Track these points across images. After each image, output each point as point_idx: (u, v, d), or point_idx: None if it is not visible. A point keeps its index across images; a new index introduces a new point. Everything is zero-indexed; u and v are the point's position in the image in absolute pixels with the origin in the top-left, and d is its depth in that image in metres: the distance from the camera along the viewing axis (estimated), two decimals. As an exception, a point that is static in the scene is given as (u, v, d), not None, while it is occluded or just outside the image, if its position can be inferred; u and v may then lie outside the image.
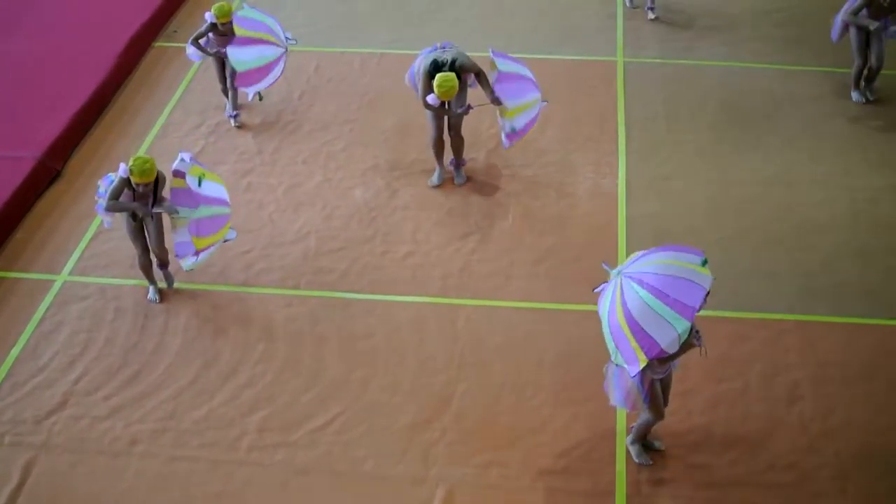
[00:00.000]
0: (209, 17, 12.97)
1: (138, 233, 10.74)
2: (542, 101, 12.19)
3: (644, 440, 9.19)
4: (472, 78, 12.06)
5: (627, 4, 16.29)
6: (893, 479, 9.11)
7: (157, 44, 15.67)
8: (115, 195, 10.38)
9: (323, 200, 12.39)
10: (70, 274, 11.41)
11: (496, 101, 11.84)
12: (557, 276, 11.27)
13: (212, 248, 10.71)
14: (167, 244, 10.85)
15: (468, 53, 11.99)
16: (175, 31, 15.97)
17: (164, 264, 11.08)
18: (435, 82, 11.57)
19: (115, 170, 12.32)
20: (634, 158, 13.01)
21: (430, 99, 11.76)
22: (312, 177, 12.78)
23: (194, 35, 13.16)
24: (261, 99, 13.80)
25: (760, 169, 12.82)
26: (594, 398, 9.81)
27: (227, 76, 13.36)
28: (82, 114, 13.66)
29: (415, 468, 9.30)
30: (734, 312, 10.76)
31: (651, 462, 9.15)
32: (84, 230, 12.00)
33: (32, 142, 12.92)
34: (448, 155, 12.62)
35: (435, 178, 12.60)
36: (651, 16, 15.99)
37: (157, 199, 10.51)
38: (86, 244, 11.79)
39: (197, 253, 10.57)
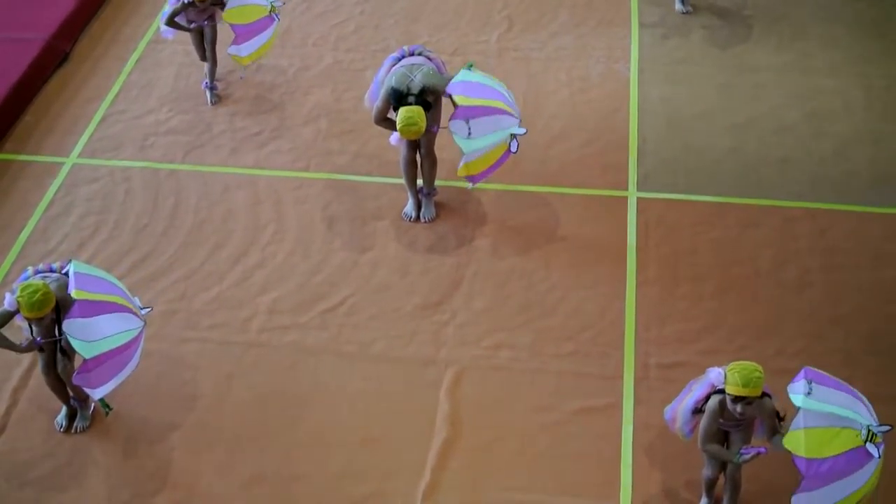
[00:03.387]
0: None
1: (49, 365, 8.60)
2: (518, 127, 9.94)
3: (711, 493, 8.11)
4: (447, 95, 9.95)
5: None
6: (902, 367, 9.18)
7: (166, -76, 15.48)
8: (0, 322, 8.13)
9: (333, 82, 12.31)
10: (79, 156, 11.37)
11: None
12: (568, 159, 11.22)
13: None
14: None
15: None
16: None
17: (79, 398, 8.81)
18: (398, 121, 9.66)
19: (123, 58, 12.15)
20: (647, 43, 12.89)
21: (393, 139, 10.24)
22: (323, 59, 12.69)
23: (168, 14, 11.69)
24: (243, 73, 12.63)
25: (774, 56, 12.71)
26: (604, 282, 9.84)
27: (205, 47, 12.12)
28: (91, -6, 13.55)
29: (424, 350, 9.34)
30: (744, 199, 10.72)
31: None
32: (93, 112, 11.94)
33: (40, 23, 12.79)
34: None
35: (408, 209, 10.68)
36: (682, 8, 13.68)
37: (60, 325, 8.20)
38: (95, 126, 11.74)
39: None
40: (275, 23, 11.79)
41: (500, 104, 9.84)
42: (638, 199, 10.72)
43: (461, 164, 9.84)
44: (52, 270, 8.36)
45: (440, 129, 10.15)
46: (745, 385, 7.14)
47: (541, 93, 11.95)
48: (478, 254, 10.20)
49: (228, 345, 9.41)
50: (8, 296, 8.07)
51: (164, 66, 12.64)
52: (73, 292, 7.93)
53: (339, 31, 13.14)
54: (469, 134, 9.66)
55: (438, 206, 10.66)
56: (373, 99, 10.37)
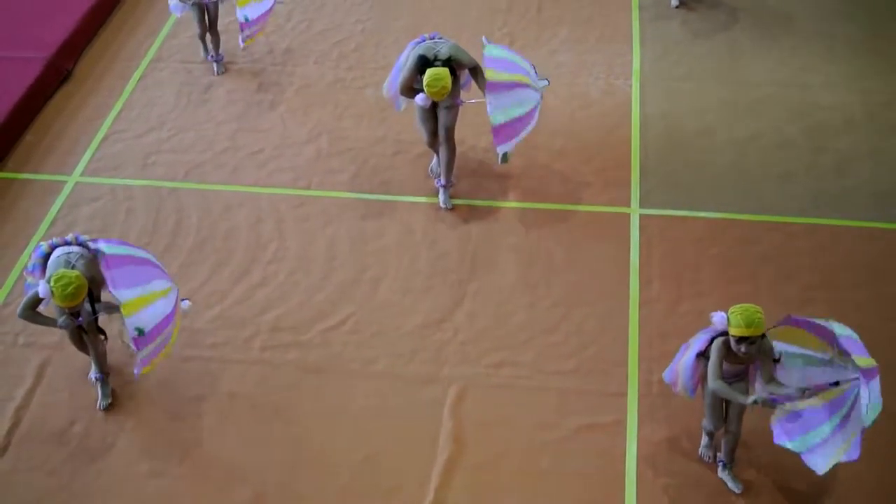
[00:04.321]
0: None
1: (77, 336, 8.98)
2: (542, 84, 10.46)
3: (711, 434, 8.48)
4: (466, 74, 10.60)
5: None
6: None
7: (167, -58, 15.53)
8: (34, 302, 8.40)
9: (335, 100, 12.33)
10: (81, 175, 11.39)
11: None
12: (570, 176, 11.23)
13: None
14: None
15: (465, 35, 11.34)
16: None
17: (102, 372, 9.10)
18: (425, 80, 10.02)
19: (125, 77, 12.26)
20: (648, 59, 12.91)
21: (420, 99, 10.27)
22: (324, 77, 12.71)
23: None
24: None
25: (775, 70, 12.73)
26: (606, 299, 9.85)
27: (207, 23, 12.60)
28: (92, 13, 13.55)
29: (426, 368, 9.34)
30: (745, 215, 10.73)
31: (738, 491, 8.40)
32: (95, 131, 11.96)
33: (42, 42, 12.83)
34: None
35: (434, 164, 11.15)
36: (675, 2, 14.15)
37: (93, 303, 8.57)
38: (97, 145, 11.76)
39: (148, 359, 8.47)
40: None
41: (524, 79, 10.24)
42: (640, 215, 10.72)
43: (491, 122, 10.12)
44: (67, 243, 8.54)
45: (462, 104, 10.56)
46: (748, 325, 7.54)
47: (542, 110, 11.96)
48: (479, 271, 10.20)
49: (230, 363, 9.41)
50: (42, 284, 8.15)
51: (166, 84, 12.66)
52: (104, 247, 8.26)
53: (340, 49, 13.17)
54: (497, 106, 10.02)
55: (440, 224, 10.68)
56: (392, 85, 10.77)
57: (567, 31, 13.34)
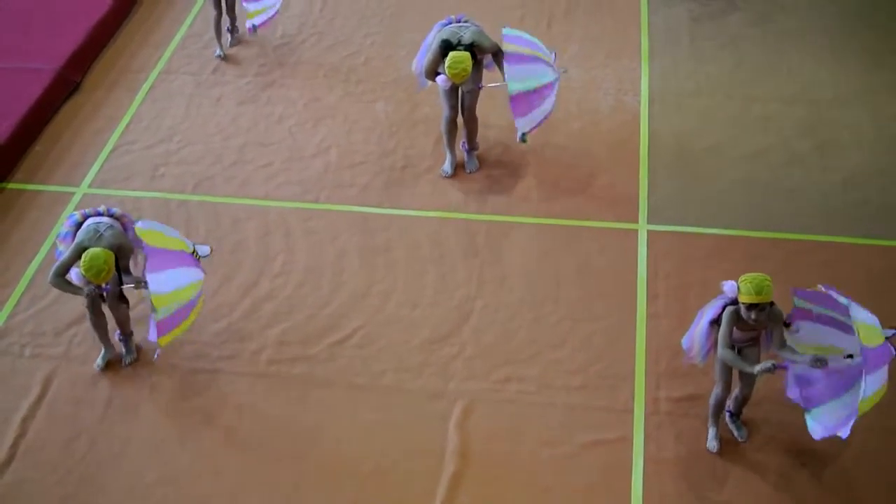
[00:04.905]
0: None
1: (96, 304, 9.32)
2: (561, 70, 11.09)
3: (717, 420, 8.76)
4: (488, 58, 11.07)
5: None
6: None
7: (177, -45, 15.59)
8: (65, 269, 8.91)
9: (344, 114, 12.34)
10: (90, 186, 11.40)
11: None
12: (578, 191, 11.23)
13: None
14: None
15: (484, 26, 11.24)
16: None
17: (124, 334, 9.56)
18: (447, 62, 10.52)
19: (133, 89, 12.32)
20: (657, 75, 12.92)
21: (441, 80, 10.78)
22: (333, 90, 12.72)
23: None
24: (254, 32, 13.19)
25: (783, 86, 12.73)
26: (613, 315, 9.84)
27: (223, 5, 13.20)
28: (102, 25, 13.58)
29: (433, 382, 9.33)
30: (753, 231, 10.73)
31: (742, 439, 8.81)
32: (103, 143, 11.98)
33: (51, 53, 12.86)
34: (461, 139, 11.70)
35: (447, 167, 11.51)
36: None
37: (120, 274, 9.07)
38: (105, 157, 11.78)
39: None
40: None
41: (542, 56, 10.83)
42: (648, 231, 10.72)
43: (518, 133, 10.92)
44: (98, 213, 9.13)
45: (483, 87, 11.11)
46: (757, 293, 7.87)
47: (551, 125, 11.95)
48: (487, 286, 10.20)
49: (238, 376, 9.41)
50: (74, 271, 8.86)
51: (175, 96, 12.68)
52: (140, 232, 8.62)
53: (349, 63, 13.18)
54: (514, 76, 10.53)
55: (448, 239, 10.69)
56: (419, 64, 11.29)
57: (577, 47, 13.35)
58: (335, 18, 14.04)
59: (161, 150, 11.85)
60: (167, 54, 13.36)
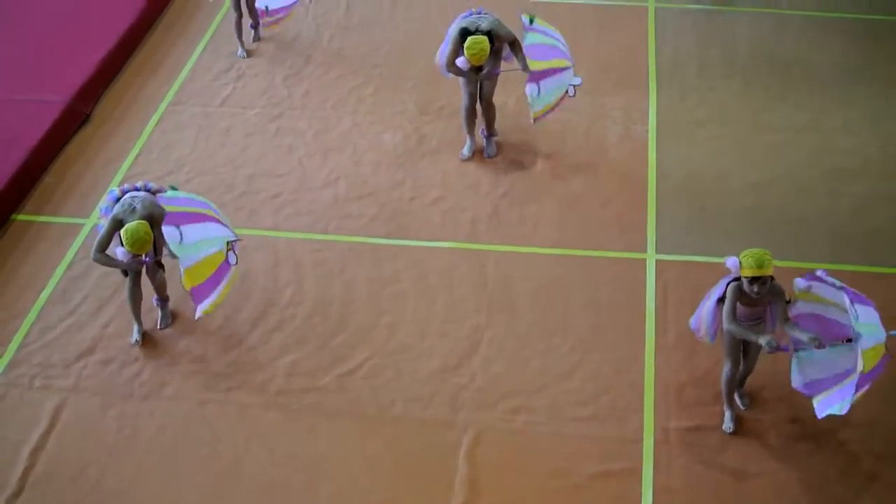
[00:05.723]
0: None
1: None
2: (575, 77, 11.65)
3: (732, 401, 9.12)
4: (506, 49, 11.62)
5: None
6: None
7: (187, -14, 15.67)
8: (105, 243, 9.47)
9: (352, 145, 12.36)
10: (99, 218, 11.41)
11: (527, 70, 11.38)
12: (586, 221, 11.24)
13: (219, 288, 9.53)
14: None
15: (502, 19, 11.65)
16: (204, -26, 15.96)
17: (161, 298, 10.22)
18: (466, 45, 11.15)
19: (143, 120, 12.46)
20: (664, 104, 12.94)
21: (460, 62, 11.36)
22: (341, 121, 12.75)
23: None
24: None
25: (792, 115, 12.74)
26: (622, 345, 9.83)
27: (243, 7, 13.83)
28: (111, 57, 13.64)
29: (443, 413, 9.32)
30: (763, 260, 10.72)
31: (744, 407, 9.28)
32: (112, 174, 12.01)
33: (61, 85, 12.91)
34: (480, 125, 12.26)
35: (465, 151, 12.17)
36: None
37: (157, 245, 9.59)
38: (115, 188, 11.79)
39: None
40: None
41: (563, 63, 11.55)
42: (657, 260, 10.72)
43: (531, 111, 11.59)
44: (137, 189, 9.67)
45: (501, 73, 11.76)
46: (759, 266, 8.24)
47: (559, 154, 11.98)
48: (496, 316, 10.20)
49: (247, 407, 9.40)
50: (119, 250, 9.33)
51: (184, 128, 12.71)
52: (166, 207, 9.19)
53: (357, 94, 13.22)
54: (539, 93, 11.40)
55: (456, 270, 10.70)
56: (442, 55, 11.75)
57: (585, 75, 13.33)
58: (342, 49, 14.09)
59: (170, 181, 11.86)
60: (176, 86, 13.41)
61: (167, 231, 9.04)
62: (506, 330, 10.06)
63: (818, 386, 8.51)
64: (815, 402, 8.43)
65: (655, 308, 10.20)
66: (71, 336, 10.05)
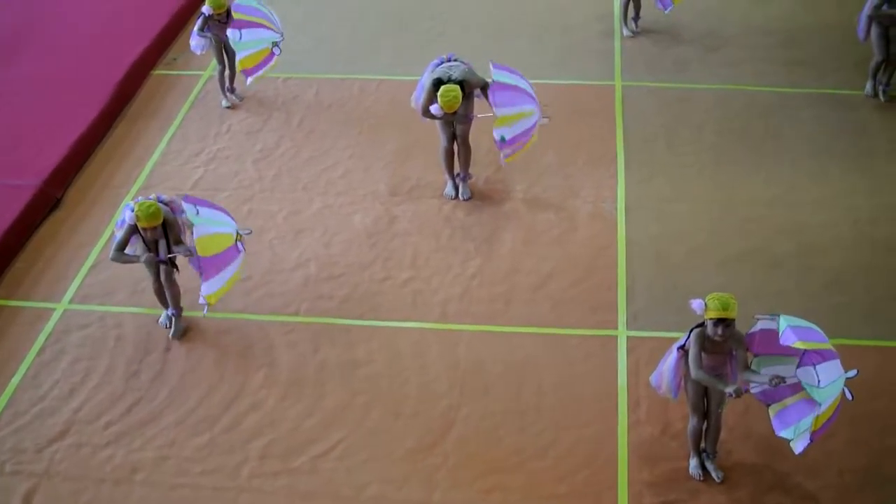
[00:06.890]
0: (206, 10, 14.00)
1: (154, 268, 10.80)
2: (543, 117, 12.21)
3: (698, 450, 9.31)
4: (477, 90, 12.28)
5: (625, 33, 16.25)
6: (898, 504, 9.13)
7: (157, 72, 15.72)
8: (122, 245, 10.38)
9: (323, 227, 12.39)
10: (70, 302, 11.39)
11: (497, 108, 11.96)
12: (558, 299, 11.25)
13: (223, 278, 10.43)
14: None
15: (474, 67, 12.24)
16: (175, 59, 16.03)
17: (175, 307, 10.96)
18: (439, 94, 11.74)
19: (115, 204, 12.54)
20: (634, 181, 13.01)
21: (434, 109, 11.90)
22: (312, 203, 12.78)
23: (195, 28, 14.19)
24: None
25: (762, 190, 12.82)
26: (596, 422, 9.82)
27: (225, 59, 14.38)
28: (82, 141, 13.70)
29: (418, 493, 9.27)
30: (736, 335, 10.74)
31: (719, 479, 9.28)
32: (84, 258, 11.99)
33: (32, 169, 12.94)
34: (456, 168, 12.77)
35: (448, 190, 12.82)
36: (626, 32, 16.36)
37: (169, 244, 10.45)
38: (86, 272, 11.78)
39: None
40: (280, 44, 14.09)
41: (529, 112, 12.05)
42: (628, 337, 10.73)
43: (501, 154, 12.18)
44: (160, 200, 10.45)
45: (475, 118, 12.35)
46: (724, 308, 8.46)
47: (530, 233, 12.02)
48: (469, 396, 10.17)
49: (220, 491, 9.33)
50: (128, 212, 10.17)
51: (155, 211, 12.69)
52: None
53: (328, 176, 13.26)
54: (506, 140, 11.92)
55: (429, 350, 10.68)
56: (417, 100, 12.44)
57: (553, 154, 13.44)
58: (313, 131, 14.15)
59: (142, 265, 11.83)
60: (147, 169, 13.43)
61: (186, 206, 10.03)
62: (480, 408, 10.03)
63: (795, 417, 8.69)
64: (772, 414, 8.76)
65: (627, 384, 10.20)
66: (42, 421, 9.99)
